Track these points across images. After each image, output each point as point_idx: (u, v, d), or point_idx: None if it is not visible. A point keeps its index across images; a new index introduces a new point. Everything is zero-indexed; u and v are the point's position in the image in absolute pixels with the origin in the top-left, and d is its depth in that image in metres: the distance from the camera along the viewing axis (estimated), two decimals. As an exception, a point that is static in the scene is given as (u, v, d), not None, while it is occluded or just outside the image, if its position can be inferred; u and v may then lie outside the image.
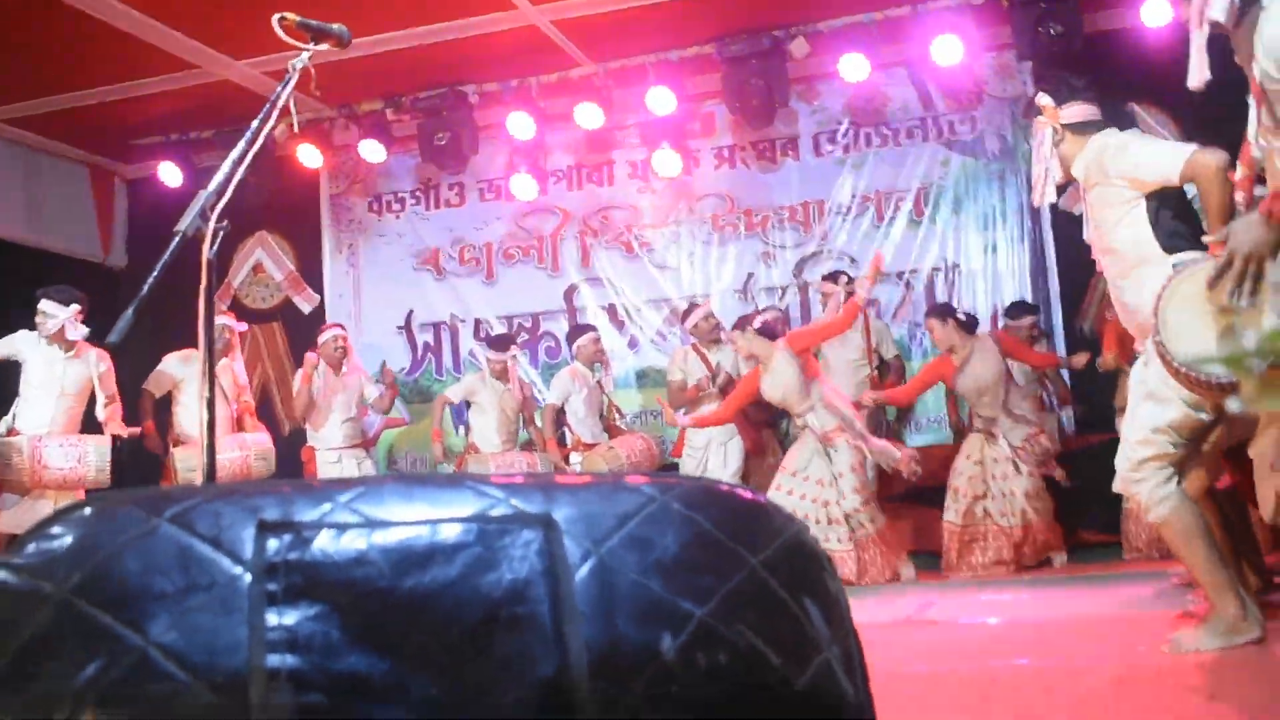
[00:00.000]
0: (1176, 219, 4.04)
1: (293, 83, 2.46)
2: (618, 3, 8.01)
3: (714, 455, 8.28)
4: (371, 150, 9.59)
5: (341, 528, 0.84)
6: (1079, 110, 4.37)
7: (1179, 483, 4.05)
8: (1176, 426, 3.96)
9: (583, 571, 0.84)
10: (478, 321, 10.01)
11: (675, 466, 8.40)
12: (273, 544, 0.81)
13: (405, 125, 9.58)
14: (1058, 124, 4.37)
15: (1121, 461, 4.15)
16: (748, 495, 0.96)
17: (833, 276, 8.36)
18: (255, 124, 2.28)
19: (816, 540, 0.96)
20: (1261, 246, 2.98)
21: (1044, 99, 4.41)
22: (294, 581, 0.79)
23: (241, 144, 2.24)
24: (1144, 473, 4.05)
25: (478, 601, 0.81)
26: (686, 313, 8.72)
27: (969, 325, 7.54)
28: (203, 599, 0.78)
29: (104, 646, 0.76)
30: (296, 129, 6.81)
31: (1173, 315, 3.15)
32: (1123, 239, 4.11)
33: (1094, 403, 7.92)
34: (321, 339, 8.54)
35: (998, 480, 7.40)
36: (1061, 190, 4.57)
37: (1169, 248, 3.98)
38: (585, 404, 8.54)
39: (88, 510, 0.83)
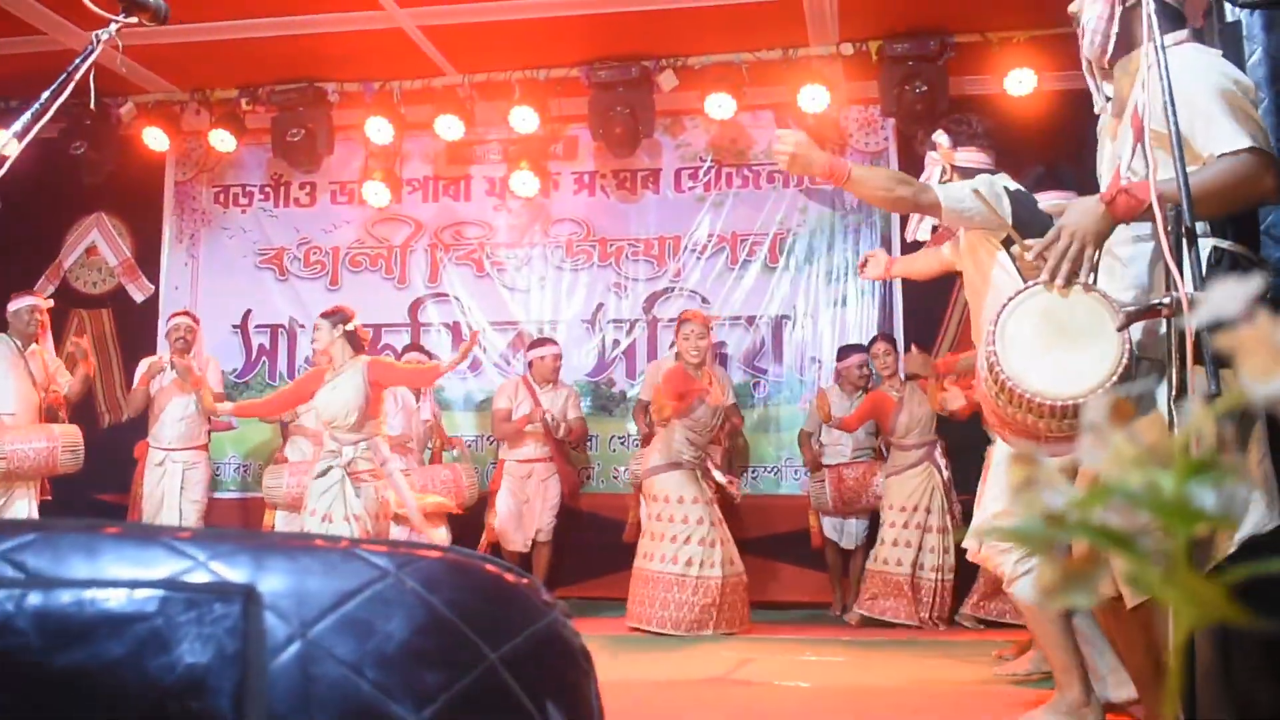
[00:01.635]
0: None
1: (94, 54, 2.26)
2: (488, 14, 7.89)
3: (534, 491, 8.20)
4: (221, 139, 9.28)
5: (-9, 585, 0.69)
6: (972, 156, 4.41)
7: None
8: None
9: (283, 658, 0.71)
10: (317, 327, 9.69)
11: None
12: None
13: (259, 117, 9.31)
14: (949, 164, 4.40)
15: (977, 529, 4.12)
16: (505, 576, 0.84)
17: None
18: (46, 95, 2.08)
19: (577, 633, 0.84)
20: (1091, 231, 2.97)
21: (941, 137, 4.43)
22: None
23: (27, 115, 2.05)
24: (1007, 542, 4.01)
25: (143, 690, 0.67)
26: (535, 344, 8.62)
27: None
28: None
29: None
30: (128, 107, 6.50)
31: (1014, 326, 3.08)
32: (997, 279, 4.13)
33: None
34: (169, 327, 8.18)
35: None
36: (935, 230, 4.58)
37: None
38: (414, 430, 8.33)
39: None
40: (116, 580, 0.72)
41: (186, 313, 8.40)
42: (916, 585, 7.44)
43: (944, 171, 4.40)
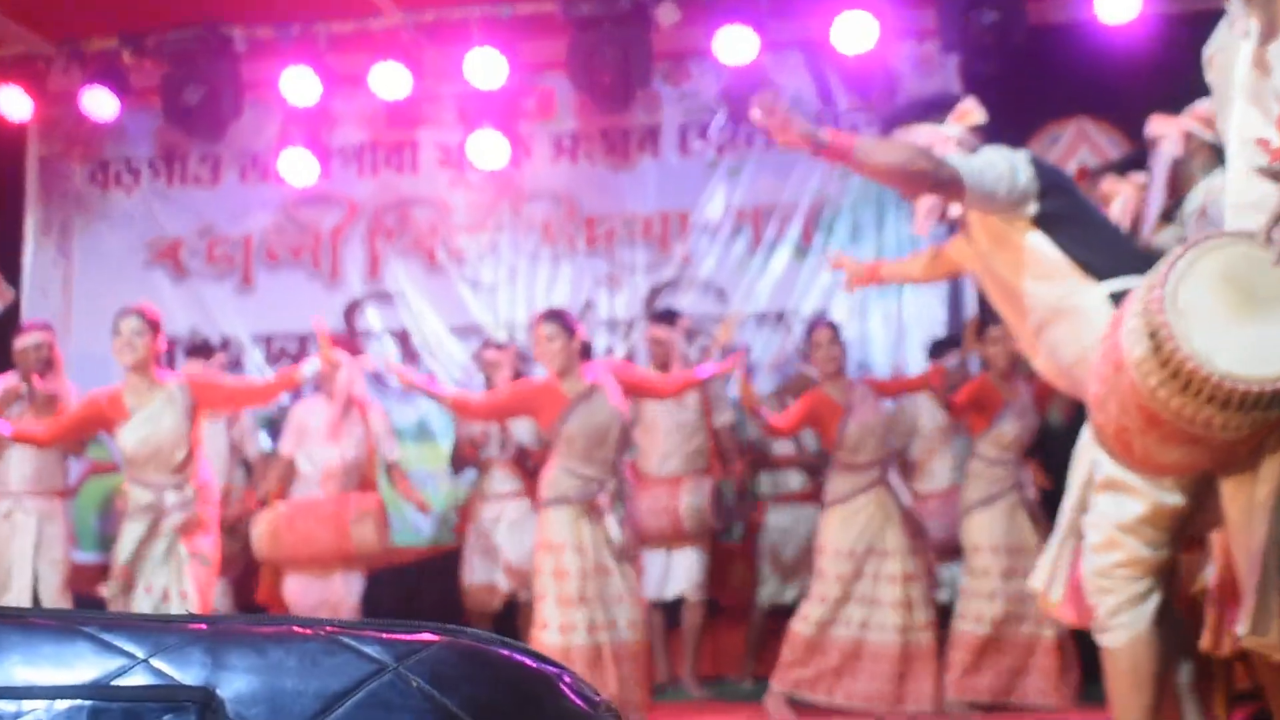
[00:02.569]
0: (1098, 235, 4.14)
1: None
2: (437, -64, 7.91)
3: (505, 536, 8.21)
4: (99, 102, 9.26)
5: None
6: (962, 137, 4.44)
7: (1157, 605, 4.01)
8: (1149, 520, 3.93)
9: (255, 788, 0.69)
10: (225, 339, 9.71)
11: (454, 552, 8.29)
12: None
13: (146, 73, 9.31)
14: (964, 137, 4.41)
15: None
16: (530, 664, 0.81)
17: (667, 318, 8.32)
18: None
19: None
20: None
21: (973, 105, 4.44)
22: None
23: None
24: (1112, 580, 4.02)
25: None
26: (486, 345, 8.77)
27: None
28: None
29: None
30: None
31: (1187, 293, 3.00)
32: (1036, 265, 4.15)
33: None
34: (19, 344, 8.12)
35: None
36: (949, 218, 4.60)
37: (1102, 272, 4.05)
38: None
39: None
40: (28, 688, 0.69)
41: (39, 325, 8.38)
42: (860, 653, 7.40)
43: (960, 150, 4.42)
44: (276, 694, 0.73)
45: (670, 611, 8.27)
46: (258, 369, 9.62)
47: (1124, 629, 4.02)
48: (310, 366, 7.02)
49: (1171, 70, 6.67)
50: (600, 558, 6.65)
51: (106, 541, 9.42)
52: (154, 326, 6.67)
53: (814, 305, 9.12)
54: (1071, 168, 8.18)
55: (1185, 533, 4.08)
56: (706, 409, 8.29)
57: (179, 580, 6.43)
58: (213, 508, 6.70)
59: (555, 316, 6.92)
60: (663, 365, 8.05)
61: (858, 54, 8.48)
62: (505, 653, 0.83)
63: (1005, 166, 4.08)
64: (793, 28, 8.77)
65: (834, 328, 7.91)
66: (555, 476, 6.77)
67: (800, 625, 7.41)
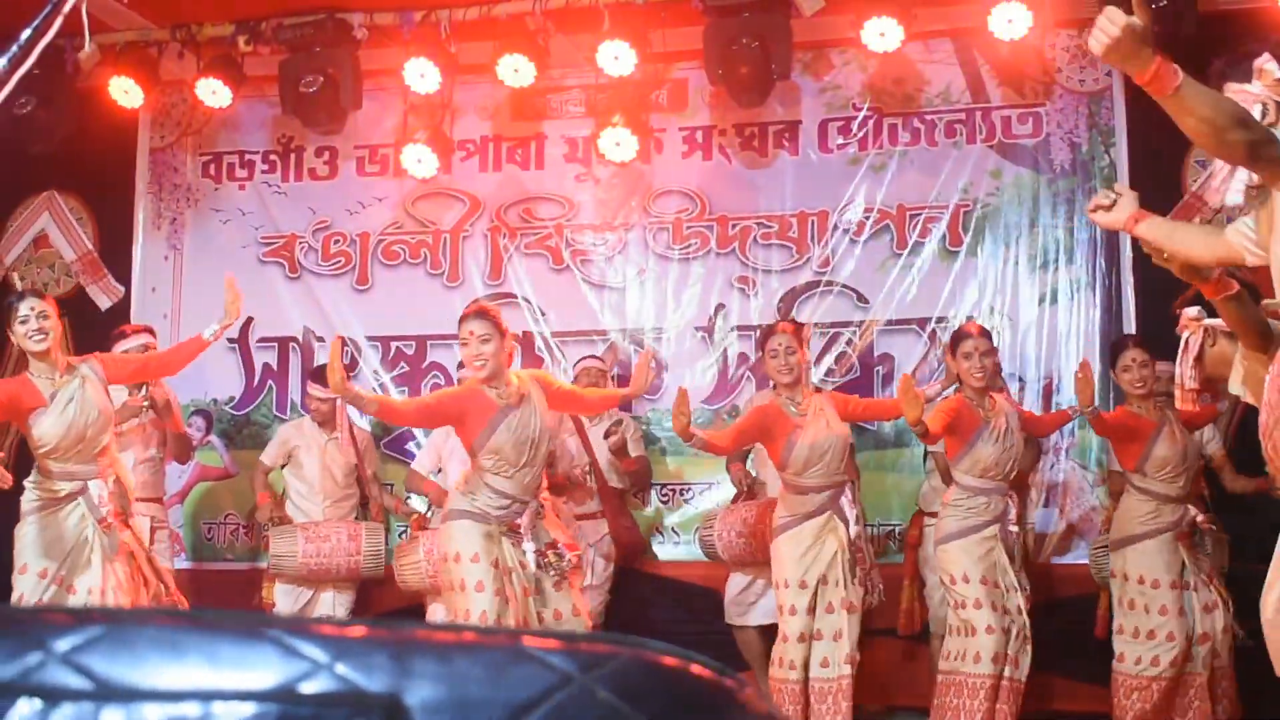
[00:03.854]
0: None
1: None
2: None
3: None
4: (213, 91, 9.40)
5: (53, 696, 0.69)
6: None
7: None
8: None
9: (445, 799, 0.70)
10: (341, 340, 9.77)
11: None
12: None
13: (263, 61, 9.45)
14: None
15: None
16: (722, 680, 0.82)
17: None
18: (27, 34, 2.11)
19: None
20: None
21: (1271, 65, 4.28)
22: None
23: (3, 61, 2.07)
24: None
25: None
26: (577, 363, 8.96)
27: None
28: None
29: None
30: (89, 49, 6.61)
31: None
32: None
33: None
34: (121, 347, 8.26)
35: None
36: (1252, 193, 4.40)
37: None
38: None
39: None
40: (216, 690, 0.71)
41: (141, 328, 8.55)
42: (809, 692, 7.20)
43: (1264, 113, 4.27)
44: (462, 703, 0.74)
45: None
46: (373, 372, 9.72)
47: None
48: (210, 331, 7.11)
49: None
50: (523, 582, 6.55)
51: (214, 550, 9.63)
52: (56, 310, 6.72)
53: (962, 312, 9.04)
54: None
55: None
56: None
57: (106, 575, 6.51)
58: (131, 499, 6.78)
59: (483, 314, 6.65)
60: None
61: (1011, 42, 8.41)
62: (687, 663, 0.84)
63: None
64: (942, 15, 8.72)
65: (798, 327, 7.64)
66: (472, 490, 6.58)
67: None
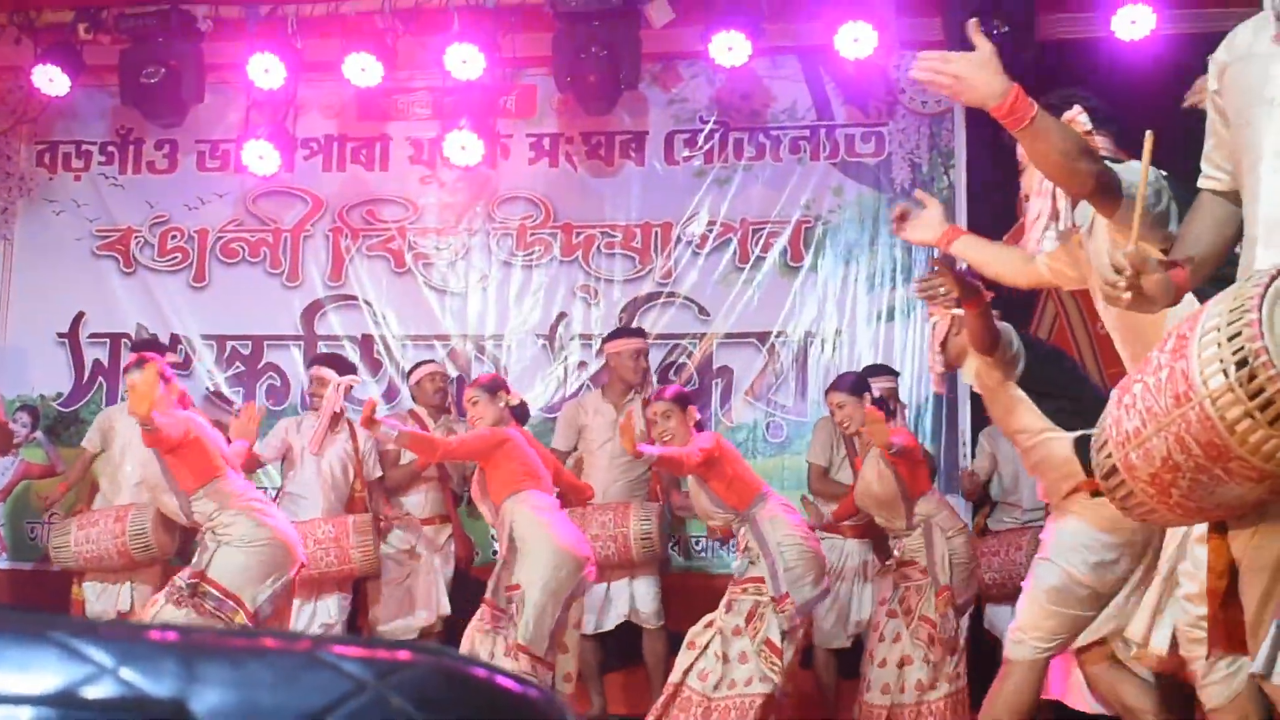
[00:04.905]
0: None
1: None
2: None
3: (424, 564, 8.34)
4: (50, 79, 9.23)
5: None
6: (1106, 145, 4.33)
7: None
8: None
9: (227, 809, 0.69)
10: (174, 338, 9.66)
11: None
12: None
13: (103, 50, 9.31)
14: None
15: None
16: (520, 690, 0.82)
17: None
18: None
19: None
20: None
21: (1079, 113, 4.31)
22: None
23: None
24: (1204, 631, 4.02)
25: None
26: (412, 370, 8.80)
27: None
28: None
29: None
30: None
31: None
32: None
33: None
34: None
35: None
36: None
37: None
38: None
39: None
40: (-8, 694, 0.69)
41: None
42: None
43: None
44: (252, 709, 0.73)
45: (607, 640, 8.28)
46: (207, 372, 9.59)
47: (1223, 683, 4.02)
48: None
49: (1181, 89, 6.70)
50: None
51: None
52: None
53: (801, 325, 9.12)
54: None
55: None
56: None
57: None
58: None
59: (484, 386, 7.30)
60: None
61: (857, 60, 8.50)
62: (486, 674, 0.83)
63: (1164, 200, 3.95)
64: (790, 32, 8.80)
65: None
66: None
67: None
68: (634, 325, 9.18)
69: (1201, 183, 3.51)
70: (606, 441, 8.20)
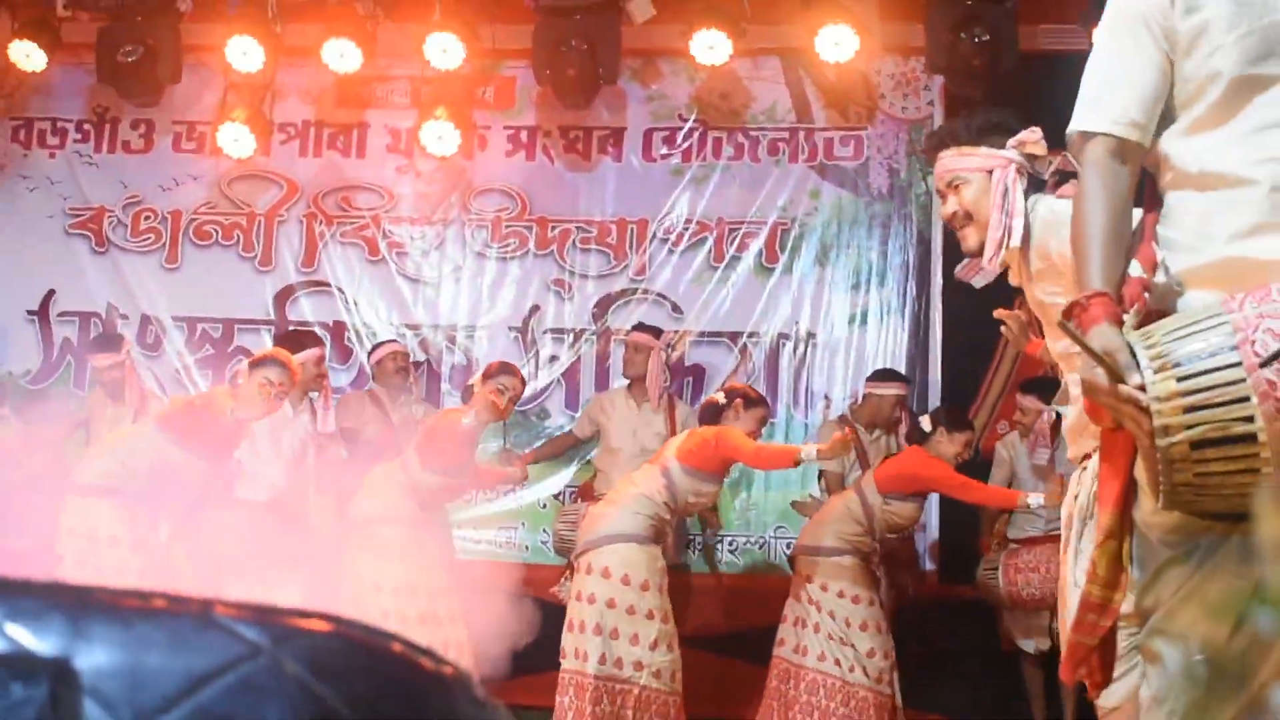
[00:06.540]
0: None
1: None
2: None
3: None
4: (26, 55, 9.18)
5: None
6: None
7: None
8: None
9: (106, 770, 0.67)
10: (145, 319, 9.63)
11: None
12: None
13: (81, 27, 9.26)
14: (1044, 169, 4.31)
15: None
16: (420, 661, 0.80)
17: (653, 330, 8.34)
18: None
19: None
20: None
21: (1041, 143, 4.30)
22: None
23: None
24: None
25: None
26: (374, 349, 8.81)
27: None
28: None
29: None
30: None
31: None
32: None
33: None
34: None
35: None
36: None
37: None
38: None
39: None
40: None
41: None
42: None
43: (1003, 175, 4.32)
44: (138, 670, 0.71)
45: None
46: (177, 353, 9.55)
47: (1120, 687, 4.02)
48: None
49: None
50: None
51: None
52: None
53: (775, 326, 9.13)
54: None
55: None
56: (672, 432, 8.20)
57: None
58: None
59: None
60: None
61: (838, 63, 8.49)
62: (394, 646, 0.81)
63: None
64: (772, 34, 8.79)
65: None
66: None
67: None
68: (604, 321, 9.21)
69: None
70: (626, 440, 8.23)
